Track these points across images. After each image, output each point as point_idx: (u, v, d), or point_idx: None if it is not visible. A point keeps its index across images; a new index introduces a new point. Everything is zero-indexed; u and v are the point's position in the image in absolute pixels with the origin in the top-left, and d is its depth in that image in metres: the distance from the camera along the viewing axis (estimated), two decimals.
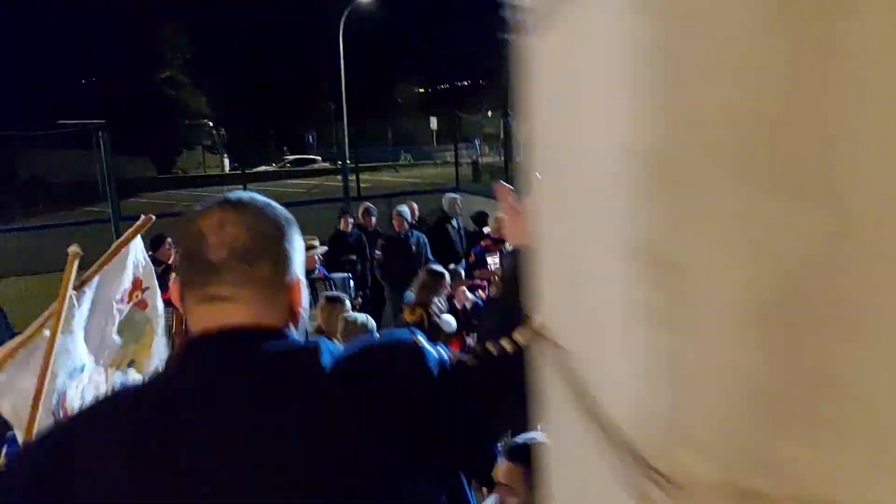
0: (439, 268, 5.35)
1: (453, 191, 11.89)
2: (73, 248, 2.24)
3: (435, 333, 4.91)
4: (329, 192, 20.59)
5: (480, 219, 8.11)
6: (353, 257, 7.46)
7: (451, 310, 5.69)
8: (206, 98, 32.51)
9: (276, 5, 33.85)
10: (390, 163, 30.08)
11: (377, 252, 7.22)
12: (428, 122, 38.03)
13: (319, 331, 4.52)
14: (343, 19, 34.73)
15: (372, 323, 4.29)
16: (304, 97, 35.91)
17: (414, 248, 7.22)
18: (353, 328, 4.13)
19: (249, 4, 33.39)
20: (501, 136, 29.87)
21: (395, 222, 7.36)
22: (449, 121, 39.27)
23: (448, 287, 5.25)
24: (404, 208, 7.52)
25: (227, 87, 32.59)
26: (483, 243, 6.70)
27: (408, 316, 5.02)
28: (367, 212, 8.07)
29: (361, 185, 16.80)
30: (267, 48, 34.36)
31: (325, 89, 35.81)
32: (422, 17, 38.36)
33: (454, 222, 8.22)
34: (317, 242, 6.37)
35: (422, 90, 48.43)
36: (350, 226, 7.71)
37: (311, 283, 5.91)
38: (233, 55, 33.21)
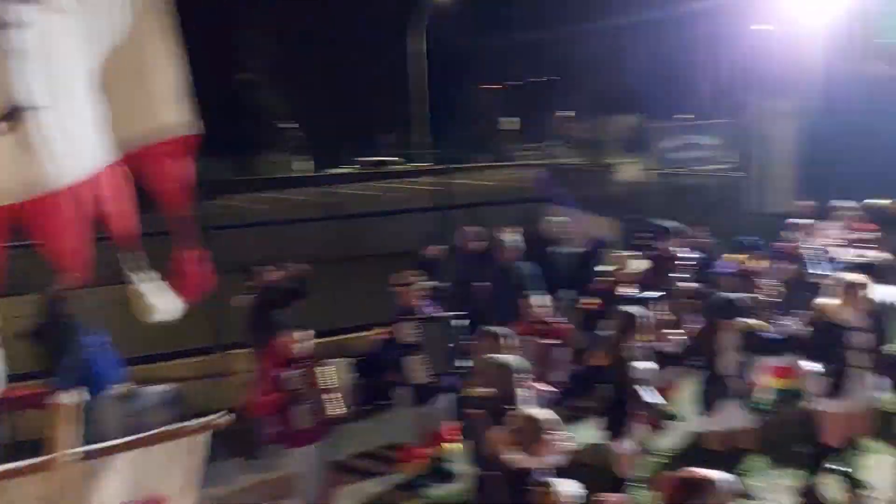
0: (633, 309, 4.63)
1: (540, 200, 11.20)
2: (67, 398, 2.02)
3: (621, 381, 4.31)
4: (412, 196, 19.62)
5: (595, 247, 7.18)
6: (444, 285, 6.80)
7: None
8: (283, 100, 32.45)
9: (353, 9, 33.68)
10: (480, 164, 29.03)
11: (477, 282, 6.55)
12: (498, 123, 37.11)
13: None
14: (423, 21, 34.28)
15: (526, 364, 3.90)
16: (382, 99, 35.65)
17: (514, 279, 6.47)
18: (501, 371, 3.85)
19: (328, 8, 33.34)
20: (585, 136, 28.77)
21: (497, 250, 6.63)
22: (524, 121, 38.26)
23: (648, 330, 4.57)
24: (509, 238, 6.70)
25: (305, 89, 32.48)
26: (604, 286, 5.83)
27: (595, 360, 4.55)
28: (468, 236, 7.25)
29: (437, 189, 15.92)
30: (345, 50, 34.25)
31: (399, 91, 35.39)
32: (496, 13, 37.55)
33: (560, 248, 7.42)
34: (421, 278, 5.76)
35: (496, 86, 46.73)
36: (440, 252, 7.10)
37: (422, 322, 5.38)
38: (311, 58, 33.16)
